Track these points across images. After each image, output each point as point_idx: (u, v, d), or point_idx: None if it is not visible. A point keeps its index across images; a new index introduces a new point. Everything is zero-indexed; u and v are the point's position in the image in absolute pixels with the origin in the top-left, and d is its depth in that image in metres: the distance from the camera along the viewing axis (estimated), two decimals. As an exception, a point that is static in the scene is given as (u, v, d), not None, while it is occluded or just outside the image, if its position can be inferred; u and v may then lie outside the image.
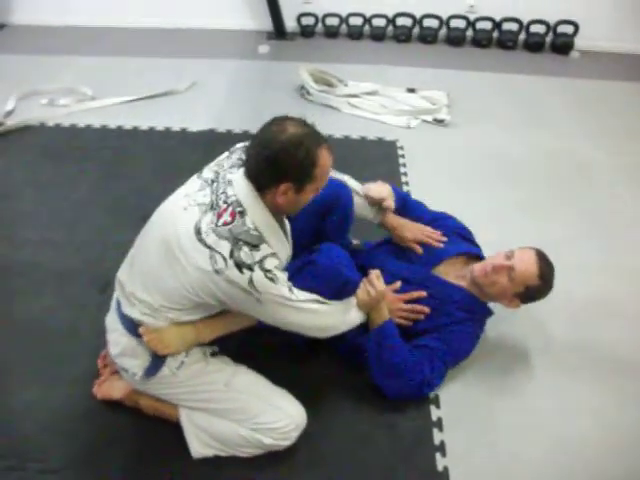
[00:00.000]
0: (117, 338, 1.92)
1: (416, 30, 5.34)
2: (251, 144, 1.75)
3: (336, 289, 1.96)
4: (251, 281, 1.65)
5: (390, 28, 5.35)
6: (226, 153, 1.91)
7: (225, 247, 1.65)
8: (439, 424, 2.08)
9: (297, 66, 4.39)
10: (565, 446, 2.05)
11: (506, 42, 5.21)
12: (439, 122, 3.97)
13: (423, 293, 2.18)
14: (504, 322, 2.46)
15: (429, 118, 4.01)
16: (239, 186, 1.73)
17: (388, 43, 5.36)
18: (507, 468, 1.98)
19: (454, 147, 3.74)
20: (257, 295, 1.68)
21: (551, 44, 5.21)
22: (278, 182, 1.69)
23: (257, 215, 1.72)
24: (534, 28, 5.16)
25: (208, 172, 1.84)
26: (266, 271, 1.67)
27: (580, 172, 3.53)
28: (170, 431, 2.02)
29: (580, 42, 5.15)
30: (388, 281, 2.12)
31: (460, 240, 2.40)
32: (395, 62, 4.91)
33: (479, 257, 2.35)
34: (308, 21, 5.39)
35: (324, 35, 5.43)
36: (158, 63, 4.74)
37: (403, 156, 3.60)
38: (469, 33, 5.29)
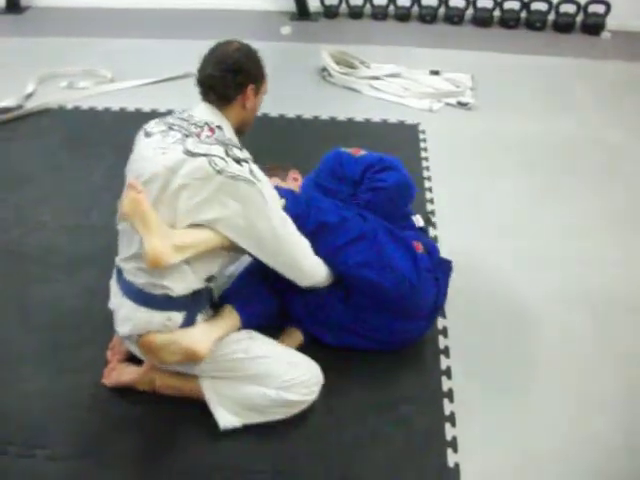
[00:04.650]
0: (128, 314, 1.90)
1: (442, 10, 5.22)
2: (206, 68, 1.90)
3: None
4: (252, 171, 1.78)
5: (415, 8, 5.24)
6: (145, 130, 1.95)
7: (218, 149, 1.77)
8: (452, 419, 2.03)
9: (320, 48, 4.33)
10: (579, 444, 1.99)
11: (534, 23, 5.06)
12: (463, 105, 3.88)
13: None
14: (520, 318, 2.40)
15: (452, 101, 3.92)
16: (203, 112, 1.90)
17: (413, 24, 5.25)
18: (519, 466, 1.93)
19: (477, 131, 3.65)
20: (259, 185, 1.78)
21: (581, 24, 5.05)
22: (244, 87, 1.90)
23: (229, 131, 1.89)
24: (564, 8, 5.01)
25: (156, 127, 1.90)
26: (257, 166, 1.83)
27: (609, 159, 3.41)
28: (178, 419, 2.02)
29: (612, 22, 4.98)
30: None
31: None
32: (420, 43, 4.81)
33: None
34: (332, 1, 5.31)
35: (348, 15, 5.34)
36: (178, 45, 4.69)
37: (425, 140, 3.53)
38: (496, 13, 5.15)
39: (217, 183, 1.74)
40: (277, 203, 1.89)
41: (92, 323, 2.34)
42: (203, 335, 1.88)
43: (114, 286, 1.99)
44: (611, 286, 2.58)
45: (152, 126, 1.92)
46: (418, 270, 2.08)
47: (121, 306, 1.92)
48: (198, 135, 1.80)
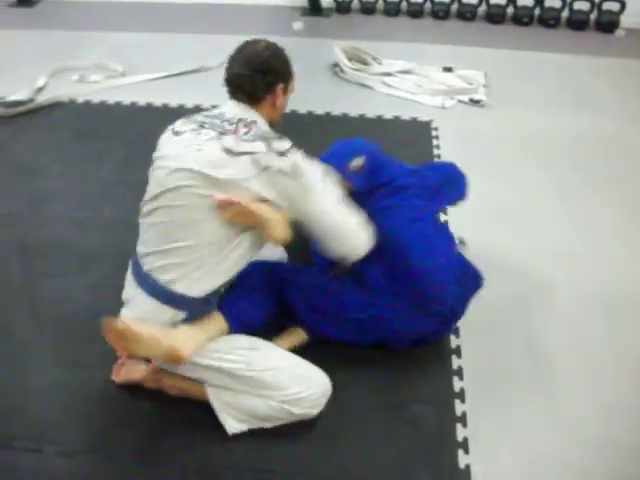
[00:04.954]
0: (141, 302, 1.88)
1: (455, 6, 5.18)
2: (234, 67, 1.89)
3: None
4: (295, 163, 1.77)
5: (428, 4, 5.20)
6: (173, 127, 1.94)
7: (260, 145, 1.75)
8: (463, 419, 2.01)
9: (332, 43, 4.30)
10: (592, 446, 1.97)
11: (548, 20, 5.02)
12: (475, 103, 3.85)
13: None
14: (532, 317, 2.38)
15: (465, 98, 3.90)
16: (234, 109, 1.90)
17: (425, 20, 5.22)
18: (531, 467, 1.91)
19: (490, 129, 3.62)
20: (303, 180, 1.78)
21: (595, 22, 5.00)
22: (273, 86, 1.91)
23: (264, 124, 1.90)
24: (577, 5, 4.96)
25: (184, 125, 1.89)
26: (301, 153, 1.81)
27: (623, 158, 3.38)
28: (187, 416, 2.01)
29: (626, 20, 4.93)
30: None
31: None
32: (432, 40, 4.77)
33: None
34: (344, -3, 5.27)
35: (360, 11, 5.31)
36: (189, 39, 4.68)
37: (437, 137, 3.50)
38: (509, 10, 5.11)
39: (263, 180, 1.75)
40: (328, 184, 1.88)
41: (100, 319, 2.33)
42: (187, 337, 1.83)
43: (129, 276, 1.97)
44: (624, 285, 2.55)
45: (180, 125, 1.90)
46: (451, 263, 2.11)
47: (135, 297, 1.90)
48: (235, 132, 1.79)
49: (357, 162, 2.13)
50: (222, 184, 1.73)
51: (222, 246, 1.81)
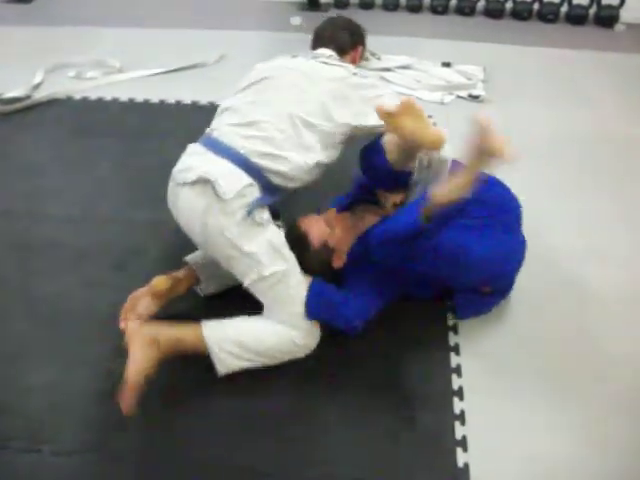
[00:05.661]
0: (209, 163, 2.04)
1: (453, 1, 5.14)
2: (327, 29, 2.47)
3: None
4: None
5: (427, -1, 5.18)
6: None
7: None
8: (462, 418, 2.01)
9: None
10: (591, 446, 1.96)
11: (547, 15, 4.98)
12: (474, 98, 3.83)
13: None
14: (531, 314, 2.38)
15: (464, 94, 3.87)
16: (325, 51, 2.36)
17: (424, 15, 5.17)
18: (530, 466, 1.90)
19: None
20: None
21: (595, 16, 4.96)
22: (357, 45, 2.48)
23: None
24: (577, 0, 4.94)
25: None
26: None
27: (623, 154, 3.35)
28: (186, 417, 2.01)
29: (626, 14, 4.88)
30: None
31: None
32: (431, 35, 4.73)
33: None
34: (342, -9, 5.24)
35: (358, 6, 5.26)
36: (187, 34, 4.64)
37: (435, 133, 3.48)
38: (509, 5, 5.07)
39: (346, 83, 2.16)
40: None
41: (98, 317, 2.33)
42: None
43: (199, 148, 2.13)
44: (624, 282, 2.54)
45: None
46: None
47: (205, 163, 2.02)
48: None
49: None
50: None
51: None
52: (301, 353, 2.08)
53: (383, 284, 2.18)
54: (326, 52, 2.35)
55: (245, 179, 1.97)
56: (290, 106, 2.08)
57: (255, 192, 1.98)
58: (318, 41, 2.43)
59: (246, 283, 2.03)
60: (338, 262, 2.22)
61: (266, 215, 2.01)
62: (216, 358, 2.00)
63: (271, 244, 1.98)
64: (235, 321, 2.06)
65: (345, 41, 2.41)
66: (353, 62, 2.43)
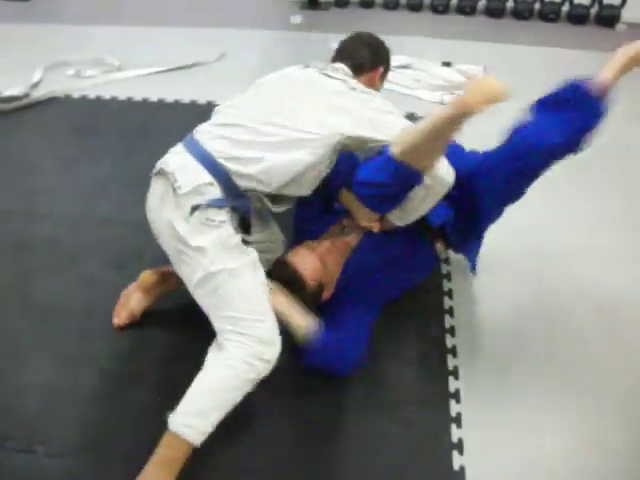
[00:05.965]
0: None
1: (454, 1, 5.13)
2: (347, 44, 2.30)
3: None
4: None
5: (427, -2, 5.17)
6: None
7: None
8: (458, 420, 2.00)
9: (330, 37, 4.26)
10: (588, 447, 1.96)
11: (548, 14, 4.97)
12: (474, 98, 3.81)
13: None
14: (530, 316, 2.38)
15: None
16: (339, 65, 2.19)
17: (425, 14, 5.16)
18: (526, 469, 1.90)
19: (488, 125, 3.58)
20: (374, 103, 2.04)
21: (596, 16, 4.95)
22: (377, 65, 2.26)
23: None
24: (578, -1, 4.93)
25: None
26: None
27: (622, 155, 3.34)
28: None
29: (627, 14, 4.87)
30: None
31: None
32: (431, 34, 4.72)
33: None
34: (342, -10, 5.22)
35: (359, 5, 5.25)
36: (186, 33, 4.63)
37: (435, 133, 3.47)
38: (509, 4, 5.06)
39: (348, 96, 2.03)
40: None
41: (94, 316, 2.32)
42: None
43: (179, 147, 2.04)
44: (624, 283, 2.54)
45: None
46: None
47: (175, 159, 1.98)
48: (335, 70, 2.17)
49: None
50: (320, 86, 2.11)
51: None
52: (267, 370, 1.86)
53: (369, 299, 2.19)
54: (338, 66, 2.20)
55: (205, 177, 1.90)
56: (273, 112, 1.99)
57: (215, 192, 1.90)
58: (338, 55, 2.27)
59: (194, 282, 1.90)
60: (327, 294, 2.17)
61: (222, 217, 1.90)
62: (189, 438, 1.79)
63: (221, 241, 1.88)
64: (189, 392, 1.85)
65: (364, 59, 2.22)
66: (372, 83, 2.24)
